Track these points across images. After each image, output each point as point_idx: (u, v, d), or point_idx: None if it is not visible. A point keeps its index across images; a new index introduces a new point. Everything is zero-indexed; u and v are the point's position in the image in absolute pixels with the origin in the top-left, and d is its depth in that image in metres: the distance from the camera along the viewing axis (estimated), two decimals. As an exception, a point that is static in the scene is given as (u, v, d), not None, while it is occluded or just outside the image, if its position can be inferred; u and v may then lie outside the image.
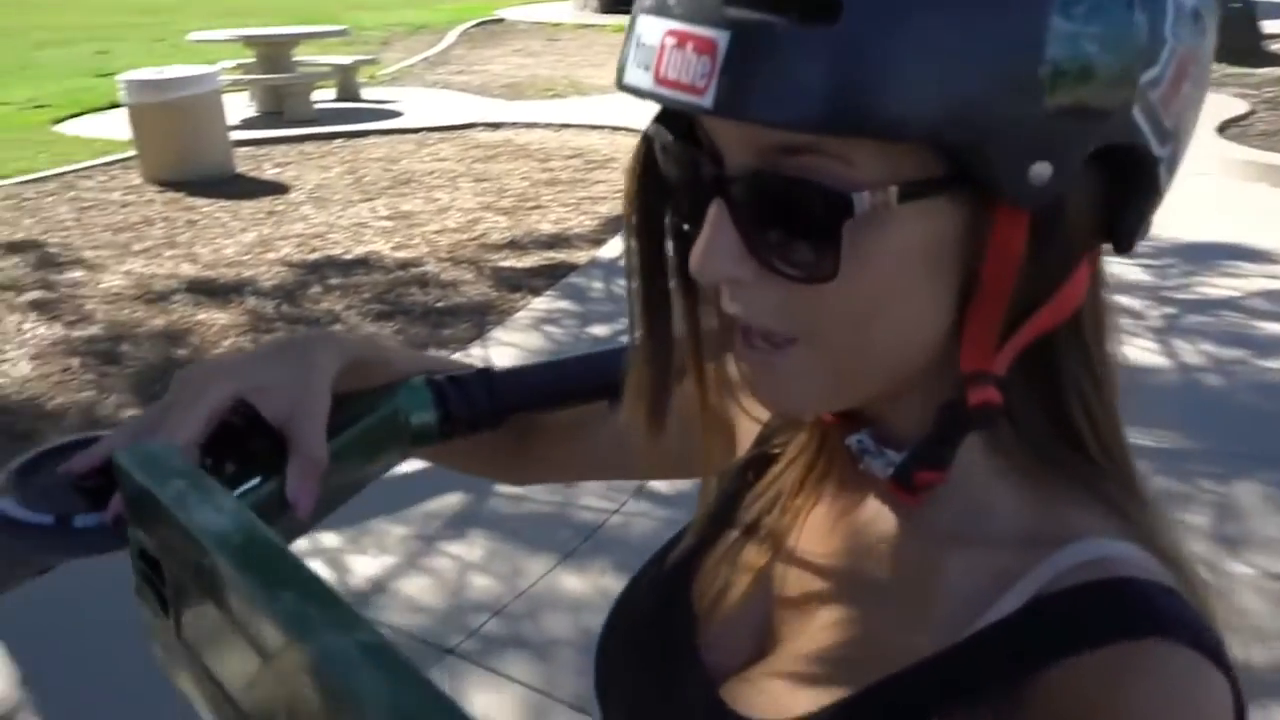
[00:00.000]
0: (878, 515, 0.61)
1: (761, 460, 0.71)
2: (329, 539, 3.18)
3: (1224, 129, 7.85)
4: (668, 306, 0.60)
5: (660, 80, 0.48)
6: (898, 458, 0.55)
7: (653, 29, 0.48)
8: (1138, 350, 4.23)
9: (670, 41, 0.47)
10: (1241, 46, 10.80)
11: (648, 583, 0.72)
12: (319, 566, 3.00)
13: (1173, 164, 0.51)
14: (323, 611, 0.38)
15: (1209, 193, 6.24)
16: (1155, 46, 0.46)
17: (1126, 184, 0.50)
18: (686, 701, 0.64)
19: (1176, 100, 0.49)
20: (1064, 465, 0.55)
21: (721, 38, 0.45)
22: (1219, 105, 8.37)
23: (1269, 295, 4.84)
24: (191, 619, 0.47)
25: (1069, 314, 0.53)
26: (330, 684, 0.35)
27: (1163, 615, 0.50)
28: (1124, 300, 4.54)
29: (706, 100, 0.46)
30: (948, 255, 0.49)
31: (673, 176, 0.56)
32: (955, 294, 0.51)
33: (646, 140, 0.57)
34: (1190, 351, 4.29)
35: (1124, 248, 0.53)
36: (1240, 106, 8.54)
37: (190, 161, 7.46)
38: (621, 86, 0.51)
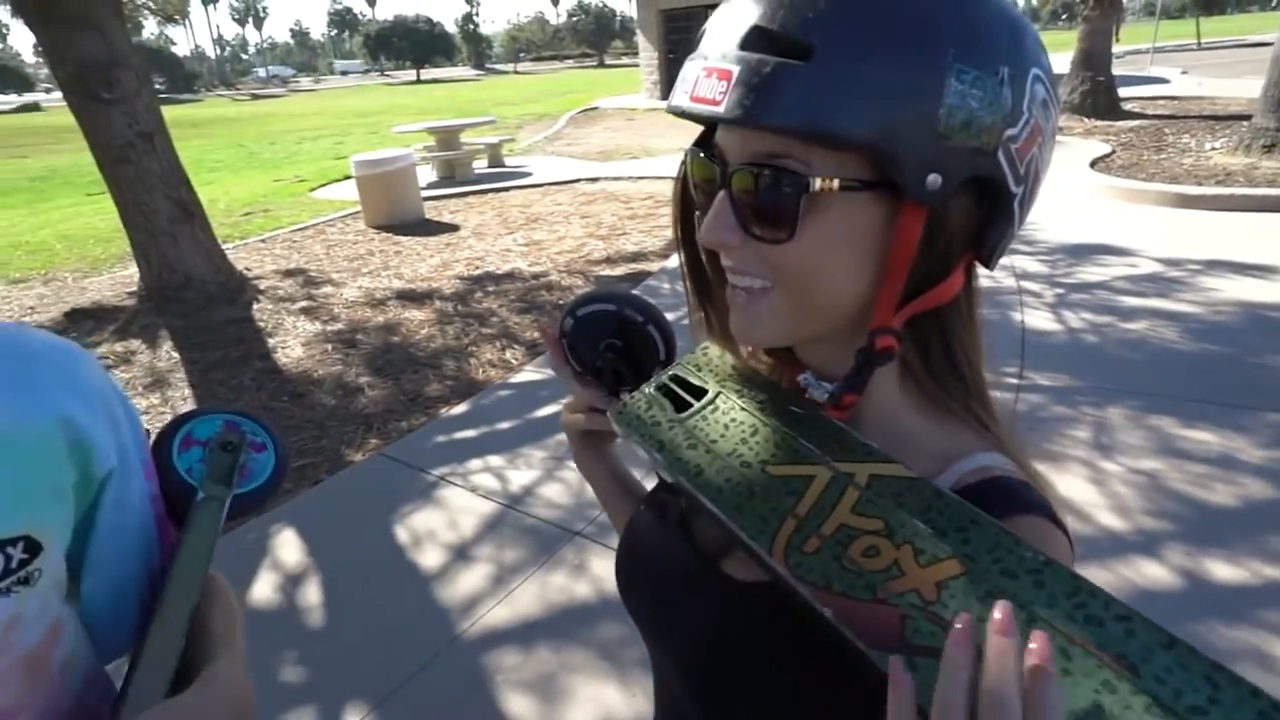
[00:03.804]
0: None
1: None
2: (495, 460, 3.18)
3: (1094, 164, 7.43)
4: (709, 289, 0.59)
5: (693, 99, 0.48)
6: (832, 387, 0.54)
7: (692, 68, 0.49)
8: (1039, 319, 4.07)
9: (701, 74, 0.48)
10: (1104, 107, 10.44)
11: (650, 524, 0.65)
12: (486, 478, 3.03)
13: (1025, 202, 0.50)
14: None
15: (1085, 209, 5.92)
16: (1016, 115, 0.46)
17: (991, 209, 0.49)
18: (686, 569, 0.60)
19: (1029, 155, 0.48)
20: (951, 397, 0.54)
21: (734, 68, 0.46)
22: (1090, 149, 8.00)
23: (1127, 279, 4.58)
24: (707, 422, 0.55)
25: (947, 299, 0.51)
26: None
27: (1029, 500, 0.50)
28: (1028, 285, 4.42)
29: (722, 109, 0.46)
30: (870, 237, 0.48)
31: (696, 180, 0.54)
32: (873, 268, 0.49)
33: (684, 158, 0.56)
34: (1074, 319, 4.07)
35: (988, 263, 0.51)
36: (1105, 148, 8.10)
37: (396, 212, 7.51)
38: (669, 109, 0.51)
